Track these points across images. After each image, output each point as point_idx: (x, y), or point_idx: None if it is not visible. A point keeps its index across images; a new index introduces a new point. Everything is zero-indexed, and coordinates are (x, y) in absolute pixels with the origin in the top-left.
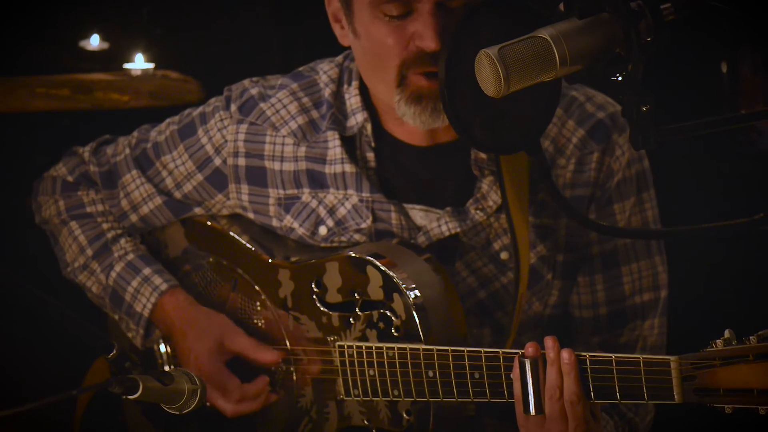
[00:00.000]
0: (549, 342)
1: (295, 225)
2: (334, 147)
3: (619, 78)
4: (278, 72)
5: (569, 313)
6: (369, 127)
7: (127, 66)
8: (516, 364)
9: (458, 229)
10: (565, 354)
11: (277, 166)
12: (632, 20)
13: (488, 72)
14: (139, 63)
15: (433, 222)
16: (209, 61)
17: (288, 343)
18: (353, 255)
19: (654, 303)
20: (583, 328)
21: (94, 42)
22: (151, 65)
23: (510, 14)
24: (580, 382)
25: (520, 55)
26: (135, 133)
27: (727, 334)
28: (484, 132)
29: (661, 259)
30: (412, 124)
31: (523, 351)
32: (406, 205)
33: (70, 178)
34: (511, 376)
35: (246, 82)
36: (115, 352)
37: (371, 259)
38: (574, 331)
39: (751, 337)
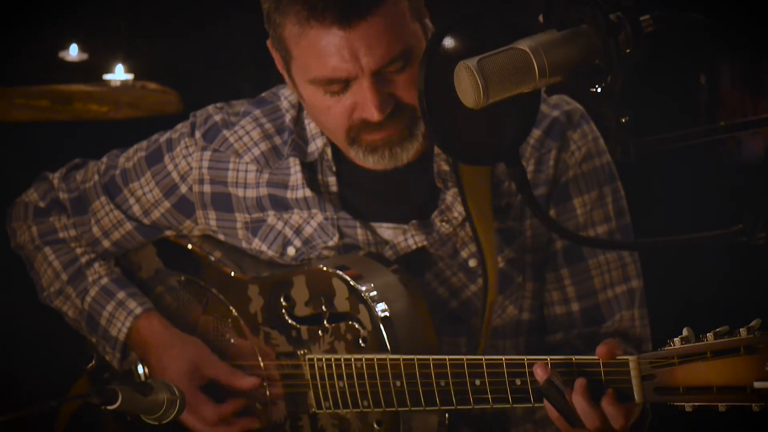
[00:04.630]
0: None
1: (264, 248)
2: (296, 173)
3: (599, 89)
4: (255, 85)
5: (545, 315)
6: (329, 151)
7: (106, 77)
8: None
9: (425, 242)
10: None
11: (240, 192)
12: (611, 32)
13: (467, 83)
14: (118, 74)
15: (399, 236)
16: (188, 72)
17: (260, 359)
18: (319, 268)
19: (628, 294)
20: (559, 325)
21: (74, 53)
22: (130, 76)
23: (488, 26)
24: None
25: (500, 67)
26: (104, 159)
27: (685, 332)
28: (464, 144)
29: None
30: (374, 168)
31: (483, 357)
32: (372, 223)
33: (41, 204)
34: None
35: (210, 108)
36: (93, 363)
37: (337, 271)
38: (551, 330)
39: (708, 335)
